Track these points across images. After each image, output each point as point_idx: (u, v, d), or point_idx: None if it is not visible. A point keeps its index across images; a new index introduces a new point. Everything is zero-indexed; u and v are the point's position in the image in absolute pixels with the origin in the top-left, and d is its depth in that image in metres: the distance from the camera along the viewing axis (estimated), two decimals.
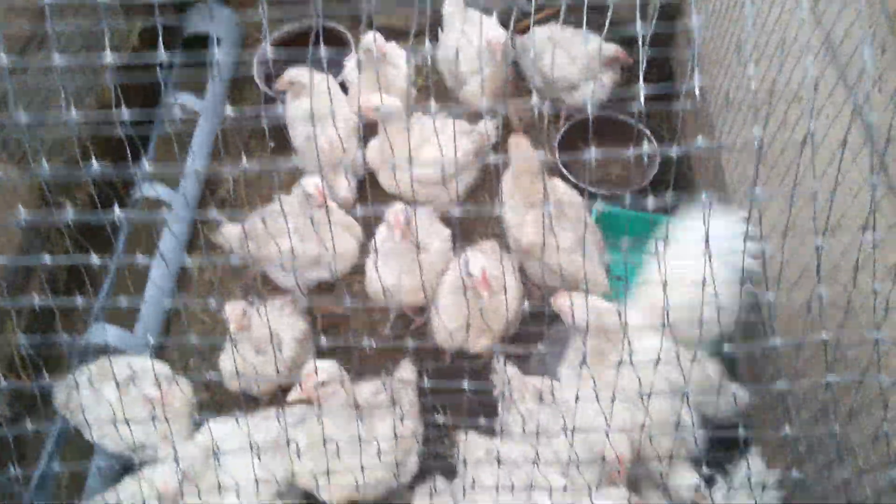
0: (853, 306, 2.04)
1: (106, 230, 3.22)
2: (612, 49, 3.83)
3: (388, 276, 3.06)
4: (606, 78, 3.93)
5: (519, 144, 3.24)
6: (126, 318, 3.19)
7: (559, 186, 3.32)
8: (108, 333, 3.02)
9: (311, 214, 3.04)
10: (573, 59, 3.86)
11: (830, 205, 1.69)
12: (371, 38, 3.62)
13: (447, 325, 2.98)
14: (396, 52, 3.86)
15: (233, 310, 2.85)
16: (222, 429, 2.67)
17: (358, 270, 3.42)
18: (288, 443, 2.62)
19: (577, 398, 2.17)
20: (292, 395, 2.56)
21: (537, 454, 2.30)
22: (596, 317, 2.49)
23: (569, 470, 2.38)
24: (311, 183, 3.03)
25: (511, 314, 3.02)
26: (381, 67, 3.64)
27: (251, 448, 2.30)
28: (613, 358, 2.54)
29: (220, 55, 4.19)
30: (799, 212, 1.94)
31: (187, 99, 3.97)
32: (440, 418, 2.64)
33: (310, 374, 2.51)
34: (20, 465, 2.40)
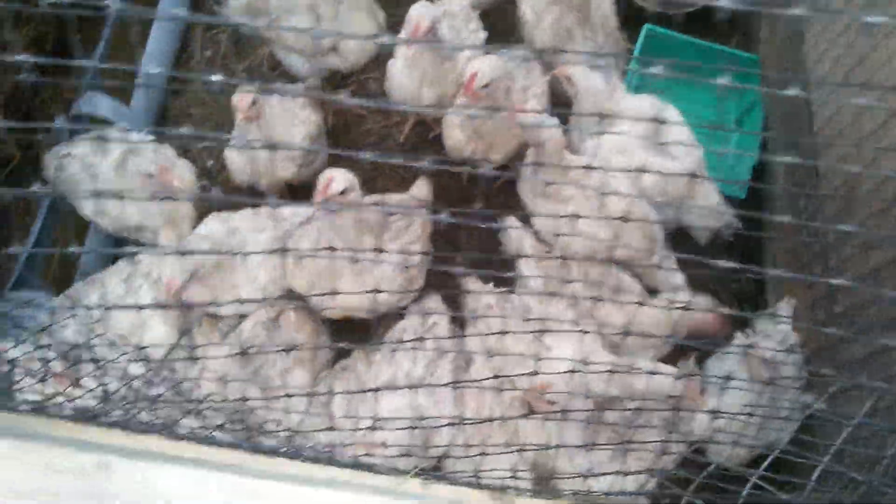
0: None
1: None
2: None
3: (410, 83, 2.77)
4: None
5: None
6: (121, 92, 2.89)
7: None
8: (102, 104, 2.74)
9: None
10: None
11: None
12: None
13: (458, 134, 2.74)
14: None
15: (242, 98, 2.46)
16: (227, 224, 2.48)
17: (377, 66, 3.11)
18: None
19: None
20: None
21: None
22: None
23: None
24: None
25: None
26: None
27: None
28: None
29: None
30: None
31: None
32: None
33: (330, 180, 2.27)
34: (7, 241, 2.23)
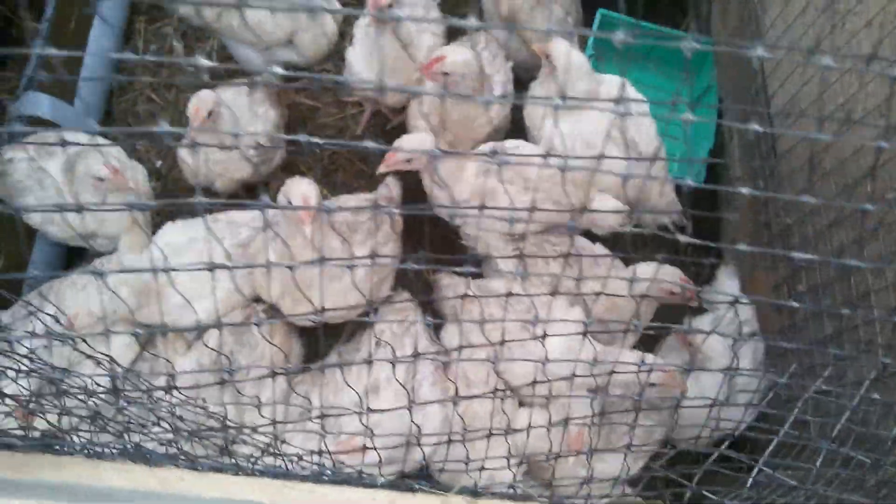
0: None
1: None
2: None
3: (367, 72, 2.69)
4: None
5: None
6: (63, 90, 2.72)
7: None
8: (43, 104, 2.57)
9: None
10: None
11: None
12: None
13: (423, 125, 2.69)
14: None
15: (198, 108, 2.26)
16: (185, 232, 2.35)
17: (332, 57, 3.02)
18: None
19: None
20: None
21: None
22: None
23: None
24: None
25: (495, 117, 2.74)
26: None
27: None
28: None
29: None
30: None
31: None
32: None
33: (299, 193, 2.14)
34: None
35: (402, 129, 2.85)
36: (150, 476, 1.14)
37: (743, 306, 2.53)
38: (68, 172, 2.31)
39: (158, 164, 2.98)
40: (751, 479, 1.57)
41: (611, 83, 2.67)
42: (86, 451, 1.35)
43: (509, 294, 1.89)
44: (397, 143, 2.38)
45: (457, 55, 2.40)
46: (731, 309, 2.12)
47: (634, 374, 2.02)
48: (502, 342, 1.60)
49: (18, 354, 1.38)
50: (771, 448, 1.61)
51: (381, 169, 2.35)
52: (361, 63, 2.70)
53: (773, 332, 2.62)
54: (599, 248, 2.62)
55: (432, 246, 2.84)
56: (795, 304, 2.01)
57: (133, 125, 2.91)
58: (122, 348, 2.19)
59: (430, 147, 2.39)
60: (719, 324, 2.55)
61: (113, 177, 2.26)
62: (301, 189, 2.14)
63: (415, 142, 2.41)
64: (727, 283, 2.79)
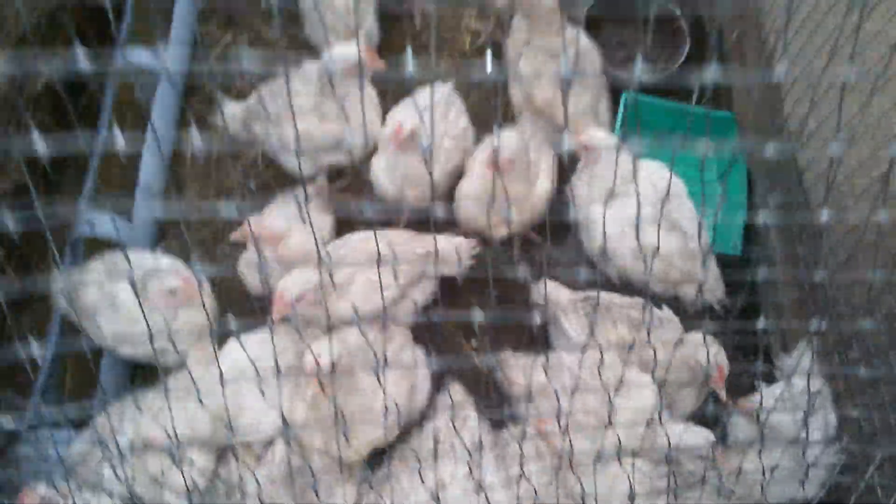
0: None
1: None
2: None
3: (391, 185, 2.81)
4: None
5: None
6: (120, 206, 2.81)
7: (582, 40, 3.01)
8: (104, 224, 2.64)
9: (334, 84, 2.66)
10: None
11: None
12: None
13: (469, 209, 2.79)
14: None
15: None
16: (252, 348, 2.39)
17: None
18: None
19: None
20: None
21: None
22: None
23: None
24: (351, 50, 2.64)
25: (538, 201, 2.83)
26: None
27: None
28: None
29: None
30: None
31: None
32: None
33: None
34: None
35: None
36: None
37: (815, 377, 2.54)
38: (141, 291, 2.37)
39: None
40: None
41: (649, 168, 2.76)
42: None
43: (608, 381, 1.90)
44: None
45: (511, 141, 2.56)
46: (802, 379, 2.16)
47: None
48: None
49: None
50: None
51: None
52: (384, 176, 2.82)
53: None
54: (667, 312, 2.66)
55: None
56: (860, 371, 2.07)
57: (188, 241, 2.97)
58: (199, 472, 2.20)
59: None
60: (787, 395, 2.56)
61: (185, 285, 2.33)
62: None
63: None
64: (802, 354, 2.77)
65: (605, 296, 2.65)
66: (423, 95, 2.81)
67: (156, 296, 2.35)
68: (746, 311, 2.81)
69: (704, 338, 2.41)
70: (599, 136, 2.73)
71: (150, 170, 2.94)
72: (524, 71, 2.88)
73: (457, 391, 2.56)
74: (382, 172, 2.83)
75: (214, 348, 2.00)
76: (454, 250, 2.71)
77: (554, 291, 2.68)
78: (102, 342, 2.45)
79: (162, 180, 3.05)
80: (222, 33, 3.52)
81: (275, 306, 2.34)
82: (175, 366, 2.41)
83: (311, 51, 3.25)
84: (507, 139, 2.68)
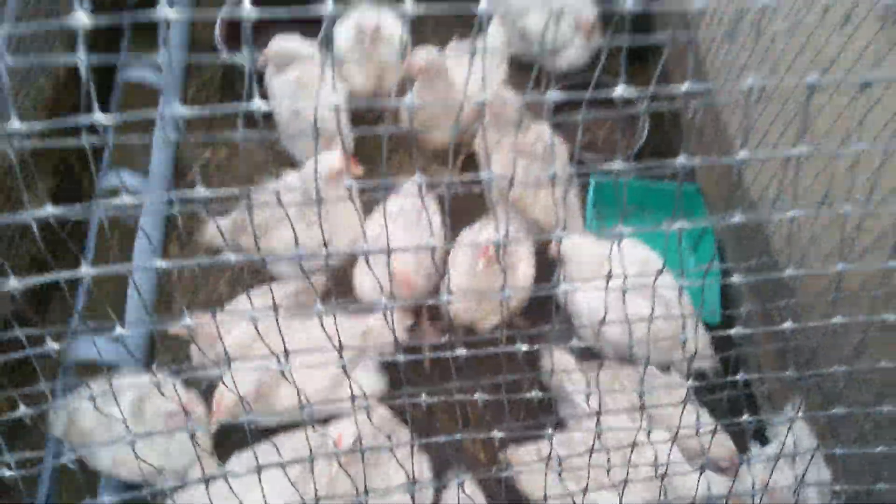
0: None
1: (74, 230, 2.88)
2: (586, 13, 3.71)
3: (372, 291, 2.88)
4: (588, 40, 3.81)
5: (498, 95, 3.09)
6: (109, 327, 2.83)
7: (546, 134, 3.17)
8: (98, 346, 2.67)
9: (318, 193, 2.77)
10: (557, 19, 3.72)
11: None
12: (361, 19, 3.41)
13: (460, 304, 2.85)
14: (390, 25, 3.55)
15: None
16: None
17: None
18: None
19: None
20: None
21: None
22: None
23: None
24: (332, 158, 2.75)
25: (522, 291, 2.91)
26: (374, 48, 3.42)
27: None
28: None
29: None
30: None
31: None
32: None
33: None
34: None
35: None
36: None
37: (808, 436, 2.59)
38: (138, 414, 2.38)
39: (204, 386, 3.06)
40: None
41: (625, 246, 2.89)
42: None
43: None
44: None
45: (489, 233, 2.75)
46: (791, 437, 2.21)
47: None
48: None
49: None
50: None
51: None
52: (369, 287, 2.89)
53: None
54: (675, 377, 2.71)
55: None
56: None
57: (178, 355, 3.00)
58: None
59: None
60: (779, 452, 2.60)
61: (187, 410, 2.35)
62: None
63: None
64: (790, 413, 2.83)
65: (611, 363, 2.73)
66: (394, 202, 2.94)
67: (153, 417, 2.37)
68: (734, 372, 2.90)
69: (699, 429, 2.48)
70: (571, 243, 2.87)
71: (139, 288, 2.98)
72: (496, 170, 3.02)
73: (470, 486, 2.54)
74: (366, 277, 2.90)
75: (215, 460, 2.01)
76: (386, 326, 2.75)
77: (560, 360, 2.73)
78: (99, 465, 2.44)
79: (151, 298, 3.09)
80: (201, 151, 3.65)
81: (213, 413, 2.41)
82: (176, 484, 2.39)
83: (287, 160, 3.39)
84: (486, 232, 2.80)
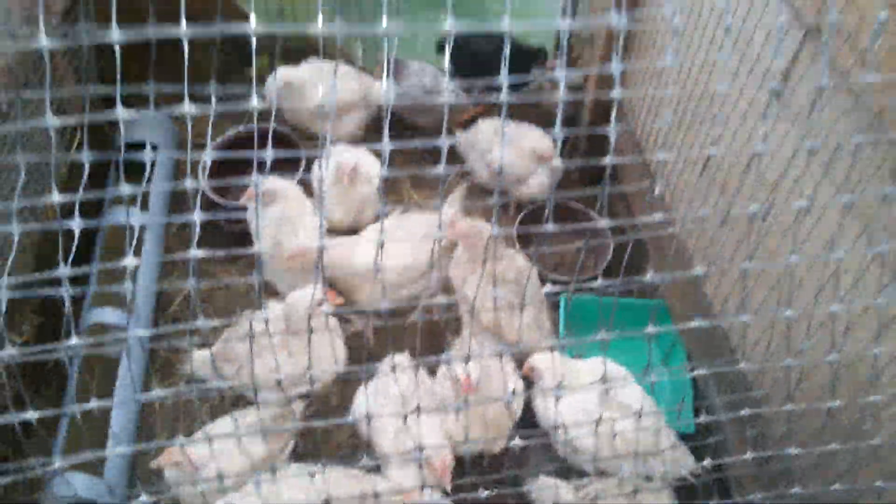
0: None
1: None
2: (544, 145, 3.98)
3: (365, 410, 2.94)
4: (550, 168, 4.06)
5: (466, 227, 3.27)
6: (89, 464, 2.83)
7: (517, 259, 3.38)
8: (78, 483, 2.66)
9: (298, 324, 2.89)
10: (520, 151, 3.98)
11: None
12: (340, 159, 3.64)
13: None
14: (368, 165, 3.81)
15: None
16: None
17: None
18: None
19: None
20: None
21: None
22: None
23: None
24: (309, 293, 2.88)
25: (512, 414, 3.00)
26: (352, 186, 3.66)
27: None
28: None
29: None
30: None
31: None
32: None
33: None
34: None
35: None
36: None
37: None
38: None
39: None
40: None
41: (592, 364, 3.02)
42: None
43: None
44: None
45: (475, 370, 2.80)
46: None
47: None
48: None
49: None
50: None
51: None
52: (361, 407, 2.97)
53: None
54: (658, 483, 2.78)
55: None
56: None
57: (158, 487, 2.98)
58: None
59: None
60: None
61: None
62: None
63: None
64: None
65: (597, 484, 2.79)
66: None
67: None
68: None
69: None
70: (539, 359, 3.03)
71: (120, 422, 3.00)
72: (470, 295, 3.16)
73: None
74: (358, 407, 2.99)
75: None
76: (394, 492, 2.75)
77: (555, 489, 2.79)
78: None
79: (132, 429, 3.10)
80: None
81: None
82: None
83: (270, 292, 3.50)
84: (474, 369, 2.88)
